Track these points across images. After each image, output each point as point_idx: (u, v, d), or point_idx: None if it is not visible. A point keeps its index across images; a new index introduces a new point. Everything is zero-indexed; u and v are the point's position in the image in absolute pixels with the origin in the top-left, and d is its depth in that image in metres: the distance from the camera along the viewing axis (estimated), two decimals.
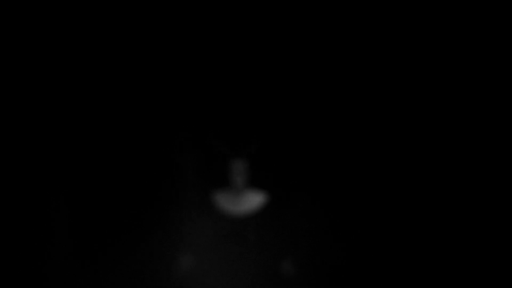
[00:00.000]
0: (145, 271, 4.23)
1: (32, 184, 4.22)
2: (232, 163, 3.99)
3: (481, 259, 4.22)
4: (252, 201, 4.04)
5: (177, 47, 4.38)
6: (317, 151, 4.41)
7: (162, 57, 4.37)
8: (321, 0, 4.36)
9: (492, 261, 4.21)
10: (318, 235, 4.30)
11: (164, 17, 4.35)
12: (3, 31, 4.21)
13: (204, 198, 4.04)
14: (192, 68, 4.40)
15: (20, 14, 4.23)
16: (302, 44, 4.39)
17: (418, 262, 4.26)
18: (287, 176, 4.39)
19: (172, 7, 4.36)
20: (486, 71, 4.29)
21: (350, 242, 4.33)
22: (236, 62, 4.40)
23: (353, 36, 4.36)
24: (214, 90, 4.41)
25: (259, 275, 3.97)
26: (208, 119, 4.39)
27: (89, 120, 4.32)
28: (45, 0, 4.25)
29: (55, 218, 4.24)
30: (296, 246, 4.10)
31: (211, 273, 3.97)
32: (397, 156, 4.34)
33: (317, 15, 4.37)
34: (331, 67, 4.39)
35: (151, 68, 4.37)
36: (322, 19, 4.37)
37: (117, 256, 4.24)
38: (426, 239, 4.27)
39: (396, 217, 4.32)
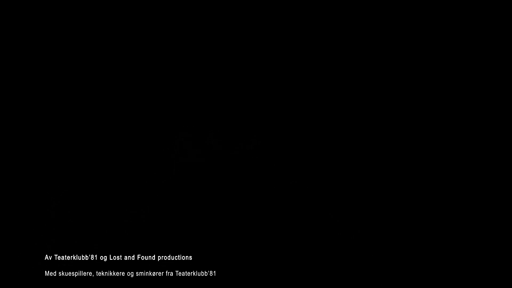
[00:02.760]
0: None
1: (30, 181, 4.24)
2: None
3: (481, 259, 4.22)
4: None
5: (177, 47, 4.39)
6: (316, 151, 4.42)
7: (161, 56, 4.38)
8: (321, 0, 4.38)
9: (492, 261, 4.21)
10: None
11: (164, 17, 4.37)
12: (3, 31, 4.23)
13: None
14: (192, 68, 4.41)
15: (19, 14, 4.25)
16: (301, 44, 4.40)
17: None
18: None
19: (172, 7, 4.37)
20: (486, 71, 4.30)
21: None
22: (235, 61, 4.42)
23: (353, 36, 4.37)
24: (213, 89, 4.42)
25: None
26: (208, 119, 4.39)
27: (87, 120, 4.33)
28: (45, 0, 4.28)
29: (53, 216, 4.25)
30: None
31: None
32: (395, 152, 4.35)
33: (317, 14, 4.38)
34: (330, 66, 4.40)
35: (151, 67, 4.38)
36: (322, 18, 4.38)
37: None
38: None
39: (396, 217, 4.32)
